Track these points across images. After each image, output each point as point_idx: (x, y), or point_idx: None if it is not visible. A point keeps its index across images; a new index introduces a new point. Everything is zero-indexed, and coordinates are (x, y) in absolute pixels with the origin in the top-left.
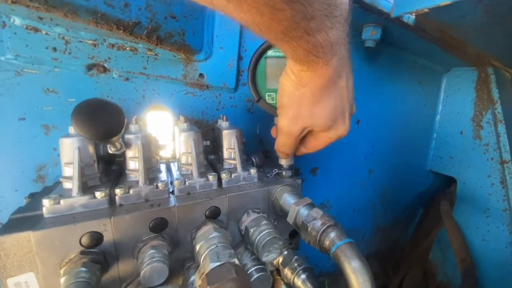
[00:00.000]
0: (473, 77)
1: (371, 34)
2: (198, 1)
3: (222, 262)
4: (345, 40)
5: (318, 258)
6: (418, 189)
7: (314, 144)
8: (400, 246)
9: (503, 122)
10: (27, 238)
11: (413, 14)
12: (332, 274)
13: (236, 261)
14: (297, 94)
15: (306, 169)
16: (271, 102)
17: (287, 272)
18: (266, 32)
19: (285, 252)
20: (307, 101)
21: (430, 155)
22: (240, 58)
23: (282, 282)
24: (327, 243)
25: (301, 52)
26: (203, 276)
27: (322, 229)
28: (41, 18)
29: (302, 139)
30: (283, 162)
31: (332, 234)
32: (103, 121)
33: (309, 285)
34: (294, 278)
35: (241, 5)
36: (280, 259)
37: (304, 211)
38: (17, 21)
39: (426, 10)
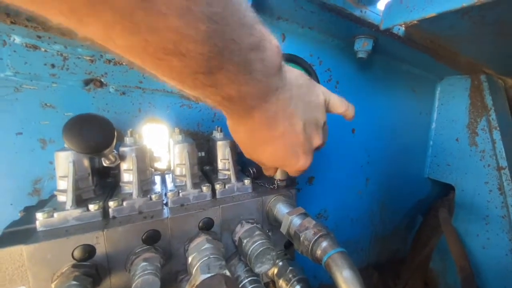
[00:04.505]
0: (467, 85)
1: (362, 45)
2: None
3: (212, 274)
4: (273, 94)
5: (316, 270)
6: (416, 197)
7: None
8: (400, 256)
9: (498, 128)
10: (19, 252)
11: (402, 26)
12: (331, 287)
13: (227, 273)
14: (236, 136)
15: (302, 179)
16: None
17: (282, 283)
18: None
19: (280, 263)
20: (246, 144)
21: (427, 163)
22: None
23: None
24: (319, 252)
25: (209, 100)
26: None
27: (314, 239)
28: (39, 37)
29: None
30: (278, 175)
31: (324, 244)
32: (93, 135)
33: None
34: None
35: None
36: (275, 270)
37: (297, 221)
38: (17, 39)
39: (415, 22)
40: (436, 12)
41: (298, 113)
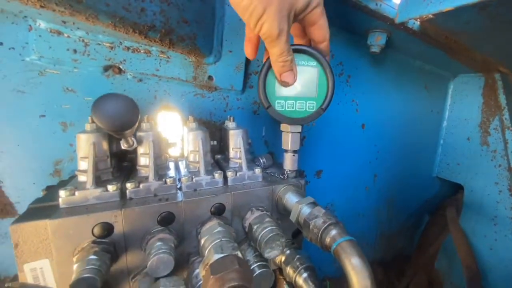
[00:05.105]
0: (480, 83)
1: (376, 39)
2: None
3: (225, 254)
4: None
5: (321, 263)
6: (424, 195)
7: (319, 24)
8: (405, 254)
9: (511, 128)
10: (44, 226)
11: (418, 20)
12: (335, 279)
13: (239, 254)
14: None
15: (310, 172)
16: (280, 109)
17: (289, 270)
18: None
19: (288, 251)
20: None
21: (436, 161)
22: (248, 61)
23: (284, 282)
24: (328, 240)
25: None
26: (207, 266)
27: (324, 227)
28: (64, 22)
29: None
30: (288, 166)
31: (333, 232)
32: (119, 113)
33: (310, 283)
34: (296, 277)
35: None
36: (283, 258)
37: (306, 209)
38: (42, 24)
39: (431, 16)
40: (453, 6)
41: None
